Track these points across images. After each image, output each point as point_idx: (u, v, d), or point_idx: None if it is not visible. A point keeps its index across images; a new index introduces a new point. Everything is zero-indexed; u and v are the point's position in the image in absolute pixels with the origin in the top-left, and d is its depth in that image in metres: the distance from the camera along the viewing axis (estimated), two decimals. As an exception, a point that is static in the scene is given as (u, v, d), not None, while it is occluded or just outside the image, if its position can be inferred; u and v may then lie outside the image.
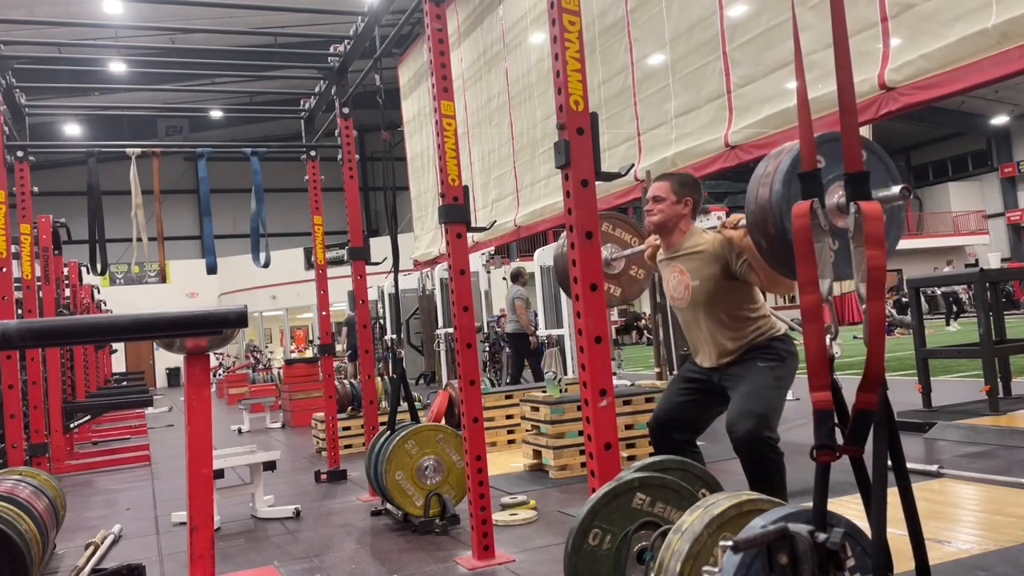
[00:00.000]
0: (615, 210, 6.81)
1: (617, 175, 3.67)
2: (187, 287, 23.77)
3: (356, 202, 5.51)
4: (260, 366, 16.07)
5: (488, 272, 11.36)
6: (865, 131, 5.41)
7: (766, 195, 1.79)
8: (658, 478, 2.16)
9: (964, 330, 14.92)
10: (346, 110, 5.45)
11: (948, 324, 17.43)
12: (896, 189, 1.69)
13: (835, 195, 1.71)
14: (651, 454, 2.81)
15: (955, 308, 17.82)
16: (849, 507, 1.82)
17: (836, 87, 1.69)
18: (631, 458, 4.88)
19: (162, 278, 24.35)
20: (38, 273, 6.76)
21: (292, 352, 20.07)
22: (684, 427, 2.99)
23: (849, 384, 1.59)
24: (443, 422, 6.43)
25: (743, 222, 2.59)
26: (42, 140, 11.45)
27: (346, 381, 7.76)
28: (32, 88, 6.22)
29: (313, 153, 6.15)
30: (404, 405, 4.39)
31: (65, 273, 9.31)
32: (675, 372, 6.14)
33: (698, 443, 3.06)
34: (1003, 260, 27.51)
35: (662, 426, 3.01)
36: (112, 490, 6.19)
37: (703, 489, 2.21)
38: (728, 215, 2.81)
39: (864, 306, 1.62)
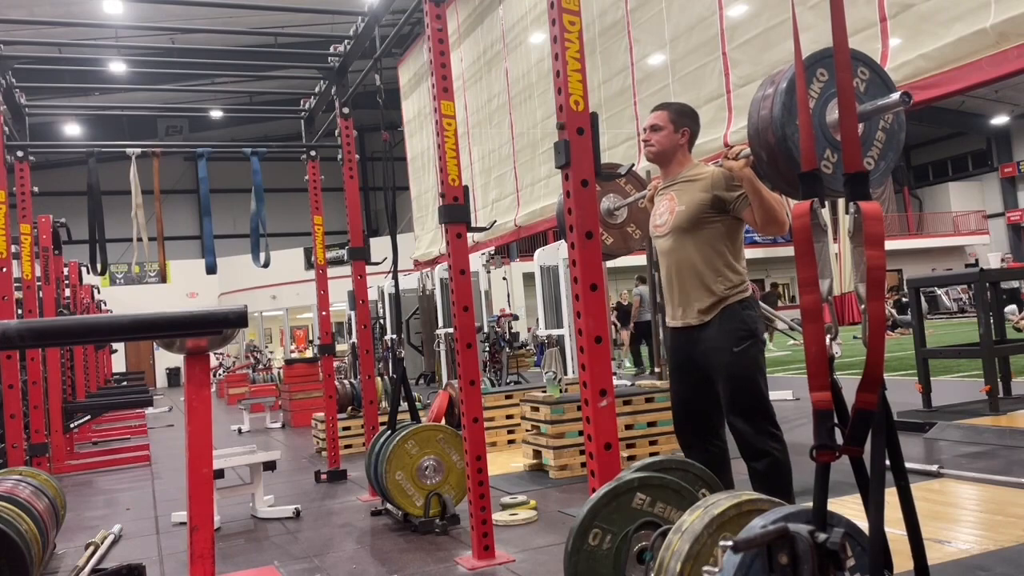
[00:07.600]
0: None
1: (617, 175, 3.69)
2: (187, 287, 23.76)
3: (356, 202, 5.51)
4: (260, 366, 16.04)
5: (488, 272, 11.34)
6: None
7: (768, 109, 1.83)
8: (658, 478, 2.16)
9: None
10: (346, 110, 5.46)
11: None
12: (895, 96, 1.73)
13: (834, 112, 1.81)
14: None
15: None
16: (849, 507, 1.82)
17: (835, 87, 1.70)
18: (631, 458, 4.88)
19: (162, 278, 24.31)
20: (38, 273, 6.76)
21: (292, 352, 20.04)
22: (700, 419, 2.95)
23: (849, 384, 1.59)
24: (443, 422, 6.43)
25: (744, 152, 2.59)
26: (42, 140, 11.43)
27: (346, 381, 7.75)
28: (32, 88, 6.22)
29: (313, 153, 6.15)
30: (404, 405, 4.39)
31: (65, 273, 9.31)
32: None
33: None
34: (1003, 260, 27.51)
35: (682, 427, 3.00)
36: (112, 490, 6.19)
37: (703, 489, 2.21)
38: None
39: (863, 306, 1.62)
